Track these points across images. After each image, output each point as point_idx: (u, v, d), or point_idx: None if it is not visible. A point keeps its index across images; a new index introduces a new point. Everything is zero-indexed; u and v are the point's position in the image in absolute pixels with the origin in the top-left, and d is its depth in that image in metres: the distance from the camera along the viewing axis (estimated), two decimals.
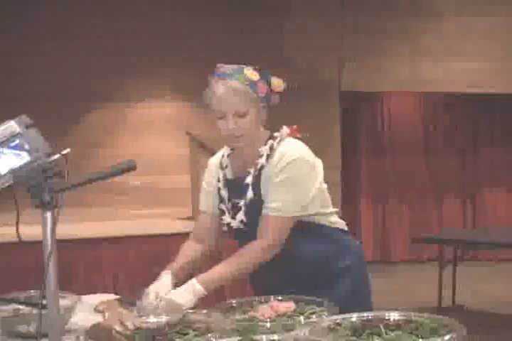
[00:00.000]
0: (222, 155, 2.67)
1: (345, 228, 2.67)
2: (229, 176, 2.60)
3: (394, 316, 1.86)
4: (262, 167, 2.47)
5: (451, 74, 8.54)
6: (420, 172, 10.82)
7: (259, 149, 2.49)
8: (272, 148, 2.48)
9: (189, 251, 2.63)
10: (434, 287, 7.21)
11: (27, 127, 1.50)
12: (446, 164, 10.84)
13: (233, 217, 2.54)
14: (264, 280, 2.56)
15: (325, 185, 2.57)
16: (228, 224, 2.57)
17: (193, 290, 2.24)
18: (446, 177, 10.83)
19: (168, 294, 2.23)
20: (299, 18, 7.98)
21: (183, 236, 5.43)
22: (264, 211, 2.43)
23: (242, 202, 2.49)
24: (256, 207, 2.46)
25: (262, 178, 2.46)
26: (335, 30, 8.09)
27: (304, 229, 2.48)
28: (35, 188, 1.48)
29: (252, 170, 2.49)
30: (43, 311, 1.55)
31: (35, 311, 2.44)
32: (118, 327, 1.92)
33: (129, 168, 1.61)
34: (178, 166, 7.96)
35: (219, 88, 2.42)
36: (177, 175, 7.95)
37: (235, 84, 2.41)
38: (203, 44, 8.01)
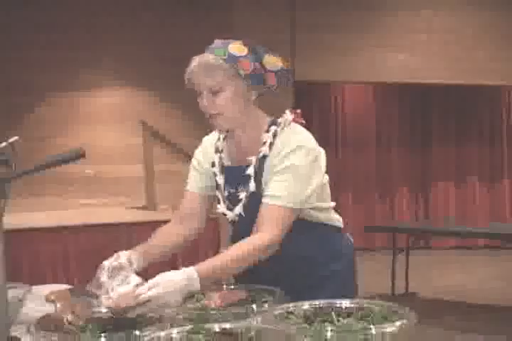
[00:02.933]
0: (218, 138, 2.49)
1: (341, 224, 2.54)
2: (226, 162, 2.44)
3: (345, 304, 1.87)
4: (264, 156, 2.31)
5: (400, 65, 8.65)
6: (372, 165, 10.96)
7: (261, 136, 2.33)
8: (275, 135, 2.32)
9: (167, 232, 2.46)
10: (387, 275, 7.31)
11: None
12: (398, 157, 10.99)
13: (229, 208, 2.40)
14: (248, 275, 2.40)
15: (327, 177, 2.44)
16: (222, 214, 2.44)
17: (189, 288, 1.99)
18: (399, 170, 10.99)
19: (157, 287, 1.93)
20: (247, 12, 8.02)
21: (137, 225, 5.46)
22: (264, 200, 2.26)
23: (242, 195, 2.34)
24: (256, 201, 2.29)
25: (265, 168, 2.30)
26: (285, 25, 8.14)
27: (295, 227, 2.30)
28: None
29: (253, 160, 2.32)
30: None
31: None
32: (70, 318, 1.89)
33: (78, 155, 1.57)
34: (131, 156, 7.93)
35: (192, 62, 2.26)
36: (130, 164, 7.91)
37: (208, 58, 2.24)
38: (158, 35, 7.95)
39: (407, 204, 11.07)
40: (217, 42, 2.30)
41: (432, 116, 11.05)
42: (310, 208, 2.36)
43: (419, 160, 11.08)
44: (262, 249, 2.19)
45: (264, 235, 2.20)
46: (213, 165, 2.46)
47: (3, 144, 1.47)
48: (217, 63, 2.22)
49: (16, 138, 1.47)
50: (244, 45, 2.28)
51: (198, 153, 2.55)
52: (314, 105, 10.77)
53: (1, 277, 1.51)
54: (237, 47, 2.26)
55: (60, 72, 7.79)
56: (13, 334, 1.56)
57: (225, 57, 2.23)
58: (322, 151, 2.37)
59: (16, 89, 7.63)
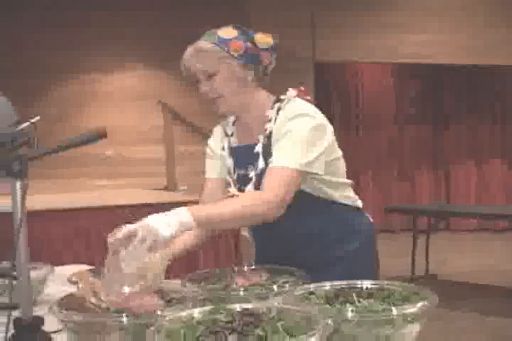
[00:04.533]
0: (227, 122, 2.54)
1: (359, 204, 2.52)
2: (234, 145, 2.48)
3: (366, 284, 1.87)
4: (271, 133, 2.31)
5: (423, 46, 8.60)
6: (392, 145, 10.91)
7: (266, 114, 2.35)
8: (278, 111, 2.33)
9: None
10: (406, 257, 7.31)
11: None
12: (418, 137, 10.94)
13: (240, 189, 2.40)
14: (264, 255, 2.45)
15: (340, 153, 2.41)
16: (233, 196, 2.40)
17: (179, 219, 1.95)
18: (419, 150, 10.94)
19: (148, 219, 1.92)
20: None
21: (159, 206, 5.46)
22: (269, 166, 2.26)
23: (252, 173, 2.35)
24: None
25: (272, 143, 2.30)
26: (304, 5, 8.10)
27: (309, 204, 2.34)
28: (3, 157, 1.47)
29: (261, 138, 2.34)
30: (14, 282, 1.54)
31: (5, 282, 2.44)
32: (92, 299, 1.90)
33: (101, 135, 1.57)
34: (151, 137, 7.94)
35: (185, 51, 2.32)
36: (151, 145, 7.93)
37: (199, 44, 2.29)
38: (174, 16, 7.94)
39: (427, 185, 11.02)
40: (210, 31, 2.34)
41: (454, 94, 10.97)
42: (324, 184, 2.35)
43: (439, 141, 11.02)
44: (260, 202, 2.12)
45: (265, 191, 2.17)
46: (223, 148, 2.50)
47: (26, 124, 1.48)
48: (208, 48, 2.27)
49: (37, 118, 1.48)
50: (234, 28, 2.32)
51: (210, 142, 2.59)
52: (334, 85, 10.73)
53: (24, 257, 1.53)
54: (226, 31, 2.31)
55: (77, 53, 7.80)
56: (35, 314, 1.57)
57: (215, 42, 2.28)
58: (328, 125, 2.34)
59: (31, 69, 7.66)
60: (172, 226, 1.91)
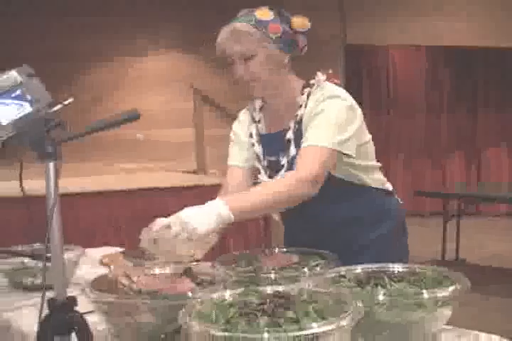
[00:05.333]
0: (254, 108, 2.49)
1: (389, 187, 2.51)
2: (262, 132, 2.44)
3: (398, 268, 1.86)
4: (301, 119, 2.28)
5: (454, 29, 8.51)
6: (423, 129, 10.83)
7: (297, 100, 2.32)
8: (309, 95, 2.30)
9: None
10: (436, 241, 7.28)
11: (29, 76, 1.48)
12: (449, 121, 10.85)
13: (271, 176, 2.37)
14: (293, 240, 2.43)
15: (370, 136, 2.39)
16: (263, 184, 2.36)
17: (217, 214, 1.90)
18: (450, 135, 10.85)
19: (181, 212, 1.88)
20: None
21: (188, 189, 5.48)
22: (301, 146, 2.22)
23: (284, 160, 2.31)
24: None
25: (303, 128, 2.27)
26: None
27: (341, 190, 2.33)
28: (37, 139, 1.47)
29: (291, 124, 2.31)
30: (48, 264, 1.55)
31: (40, 264, 2.47)
32: (124, 281, 1.92)
33: (133, 116, 1.57)
34: (182, 120, 7.96)
35: (221, 33, 2.26)
36: (181, 129, 7.95)
37: (237, 25, 2.23)
38: None
39: (458, 170, 10.95)
40: (244, 11, 2.29)
41: (486, 80, 10.85)
42: (355, 169, 2.34)
43: (471, 126, 10.92)
44: (294, 183, 2.09)
45: (299, 171, 2.13)
46: (251, 135, 2.46)
47: (59, 106, 1.48)
48: (246, 30, 2.21)
49: (70, 100, 1.48)
50: (270, 9, 2.27)
51: (236, 126, 2.55)
52: (365, 69, 10.66)
53: (58, 239, 1.54)
54: (263, 13, 2.25)
55: (110, 37, 7.83)
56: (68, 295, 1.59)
57: (253, 23, 2.22)
58: (358, 108, 2.31)
59: (64, 55, 7.69)
60: (210, 223, 1.87)
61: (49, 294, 1.55)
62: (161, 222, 1.85)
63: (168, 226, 1.82)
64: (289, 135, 2.31)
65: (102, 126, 1.54)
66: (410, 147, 10.82)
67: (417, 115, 10.79)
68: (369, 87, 10.64)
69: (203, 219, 1.86)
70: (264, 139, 2.43)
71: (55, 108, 1.49)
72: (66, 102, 1.49)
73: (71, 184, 5.28)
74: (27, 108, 1.48)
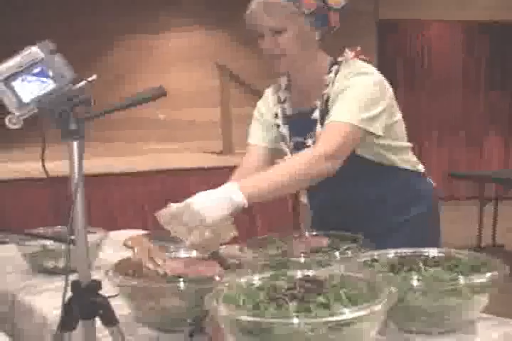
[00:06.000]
0: (280, 87, 2.47)
1: (421, 168, 2.49)
2: (288, 112, 2.42)
3: (433, 253, 1.86)
4: (329, 97, 2.26)
5: (491, 4, 8.41)
6: (459, 108, 10.73)
7: (324, 78, 2.29)
8: (337, 73, 2.27)
9: None
10: (471, 226, 7.23)
11: (51, 53, 1.48)
12: (487, 100, 10.73)
13: None
14: (321, 223, 2.43)
15: (400, 115, 2.36)
16: None
17: (230, 200, 1.86)
18: (487, 114, 10.74)
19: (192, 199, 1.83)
20: None
21: (214, 170, 5.49)
22: (325, 122, 2.19)
23: (309, 141, 2.29)
24: None
25: (330, 107, 2.23)
26: None
27: (370, 171, 2.32)
28: (60, 117, 1.47)
29: (318, 103, 2.28)
30: (71, 247, 1.56)
31: (62, 247, 2.49)
32: (150, 265, 1.93)
33: (160, 93, 1.56)
34: (208, 99, 7.95)
35: (252, 4, 2.22)
36: (207, 108, 7.94)
37: None
38: None
39: (495, 151, 10.85)
40: None
41: None
42: (384, 149, 2.32)
43: (509, 102, 10.80)
44: (313, 158, 2.04)
45: (319, 145, 2.09)
46: (276, 116, 2.45)
47: (83, 83, 1.48)
48: (278, 2, 2.17)
49: (94, 76, 1.48)
50: None
51: (260, 104, 2.53)
52: (398, 45, 10.56)
53: (82, 221, 1.55)
54: None
55: (134, 15, 7.83)
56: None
57: None
58: (388, 86, 2.28)
59: (87, 34, 7.72)
60: (222, 208, 1.82)
61: (73, 277, 1.57)
62: (168, 211, 1.83)
63: (175, 216, 1.80)
64: (316, 115, 2.29)
65: (129, 103, 1.54)
66: (445, 126, 10.73)
67: (452, 92, 10.68)
68: (402, 63, 10.55)
69: (213, 206, 1.82)
70: (290, 120, 2.41)
71: (79, 84, 1.49)
72: (90, 79, 1.49)
73: (95, 164, 5.30)
74: (50, 84, 1.49)
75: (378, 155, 2.33)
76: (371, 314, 1.36)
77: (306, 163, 2.04)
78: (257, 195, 1.92)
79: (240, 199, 1.86)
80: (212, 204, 1.82)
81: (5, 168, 5.45)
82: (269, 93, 2.53)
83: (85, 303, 1.56)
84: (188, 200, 1.82)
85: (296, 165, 2.05)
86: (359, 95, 2.16)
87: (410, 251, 1.86)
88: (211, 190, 1.86)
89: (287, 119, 2.42)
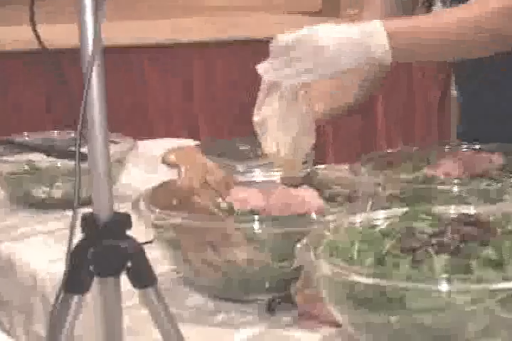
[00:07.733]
0: None
1: None
2: None
3: None
4: None
5: None
6: None
7: None
8: None
9: None
10: None
11: None
12: None
13: None
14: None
15: None
16: None
17: (365, 45, 1.89)
18: None
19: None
20: None
21: None
22: None
23: None
24: None
25: None
26: None
27: None
28: None
29: None
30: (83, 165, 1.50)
31: (60, 164, 2.51)
32: (204, 193, 1.93)
33: None
34: None
35: None
36: None
37: None
38: None
39: None
40: None
41: None
42: None
43: None
44: (485, 11, 2.08)
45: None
46: None
47: None
48: None
49: None
50: None
51: None
52: None
53: (100, 119, 1.50)
54: None
55: None
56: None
57: None
58: None
59: None
60: (352, 53, 1.88)
61: (84, 210, 1.50)
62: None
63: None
64: None
65: None
66: None
67: None
68: None
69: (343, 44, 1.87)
70: None
71: None
72: None
73: (120, 31, 5.29)
74: None
75: None
76: None
77: (475, 15, 2.07)
78: (410, 45, 1.98)
79: (383, 47, 1.89)
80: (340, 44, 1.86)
81: None
82: None
83: (105, 251, 1.50)
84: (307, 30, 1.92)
85: (465, 13, 2.10)
86: None
87: None
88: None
89: None
